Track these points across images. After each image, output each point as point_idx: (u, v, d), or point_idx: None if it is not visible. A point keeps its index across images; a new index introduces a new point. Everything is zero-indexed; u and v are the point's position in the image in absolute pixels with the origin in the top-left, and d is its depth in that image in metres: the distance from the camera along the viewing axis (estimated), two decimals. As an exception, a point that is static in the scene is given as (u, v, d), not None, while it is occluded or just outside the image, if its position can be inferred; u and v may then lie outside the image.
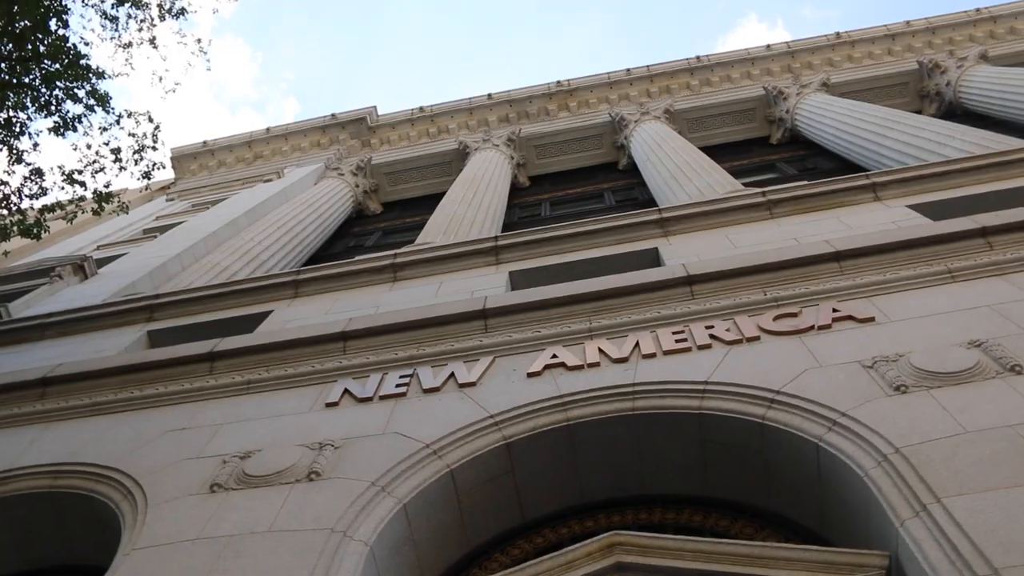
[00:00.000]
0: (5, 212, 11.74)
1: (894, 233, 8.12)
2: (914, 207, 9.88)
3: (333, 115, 25.41)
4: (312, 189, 20.87)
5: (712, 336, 7.16)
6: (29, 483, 7.07)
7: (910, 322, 6.77)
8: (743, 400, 6.25)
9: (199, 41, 14.49)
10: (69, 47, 10.94)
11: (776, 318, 7.29)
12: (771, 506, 6.20)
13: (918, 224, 8.76)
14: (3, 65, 10.29)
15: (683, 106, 22.79)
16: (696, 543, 5.29)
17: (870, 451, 5.33)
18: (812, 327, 7.01)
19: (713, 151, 20.65)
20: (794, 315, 7.29)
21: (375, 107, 25.47)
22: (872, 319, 6.95)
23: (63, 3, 10.44)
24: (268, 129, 25.89)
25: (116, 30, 13.03)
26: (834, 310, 7.21)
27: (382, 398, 7.22)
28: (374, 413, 6.99)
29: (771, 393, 6.17)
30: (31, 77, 10.73)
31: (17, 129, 11.18)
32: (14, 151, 11.43)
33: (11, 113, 10.94)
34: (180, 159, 25.95)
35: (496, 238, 11.00)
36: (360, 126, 25.07)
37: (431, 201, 20.14)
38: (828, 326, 7.00)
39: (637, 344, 7.24)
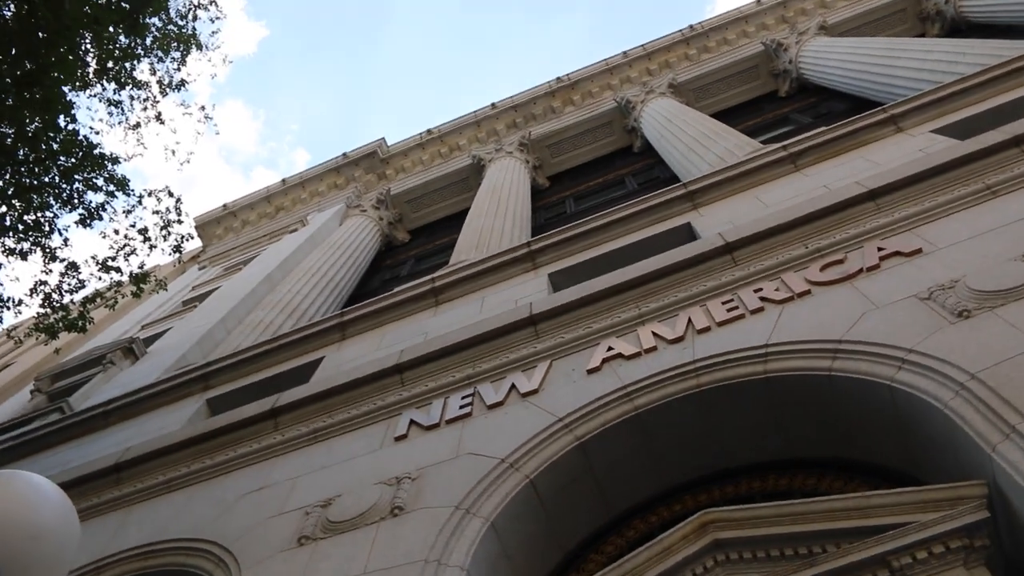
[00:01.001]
0: (49, 311, 11.94)
1: (924, 161, 8.01)
2: (938, 131, 9.73)
3: (344, 155, 25.54)
4: (338, 231, 20.99)
5: (763, 299, 7.09)
6: (122, 568, 7.16)
7: (959, 246, 6.66)
8: (806, 356, 6.18)
9: (203, 108, 14.69)
10: (81, 139, 11.13)
11: (823, 268, 7.21)
12: (856, 456, 6.12)
13: (947, 147, 8.61)
14: (23, 169, 10.49)
15: (686, 77, 22.65)
16: (790, 506, 5.24)
17: (945, 382, 5.25)
18: (860, 270, 6.92)
19: (724, 116, 20.51)
20: (840, 262, 7.20)
21: (384, 139, 25.57)
22: (919, 251, 6.84)
23: (68, 99, 10.61)
24: (284, 180, 26.07)
25: (122, 113, 13.24)
26: (879, 249, 7.11)
27: (448, 422, 7.23)
28: (444, 438, 7.00)
29: (833, 343, 6.10)
30: (51, 176, 10.92)
31: (46, 228, 11.38)
32: (47, 250, 11.63)
33: (38, 214, 11.15)
34: (205, 226, 26.22)
35: (529, 244, 11.00)
36: (373, 160, 25.18)
37: (456, 220, 20.20)
38: (876, 266, 6.90)
39: (690, 321, 7.20)
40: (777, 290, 7.13)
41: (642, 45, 24.48)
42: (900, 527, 4.76)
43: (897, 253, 6.94)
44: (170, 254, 13.41)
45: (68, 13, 9.27)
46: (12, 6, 9.42)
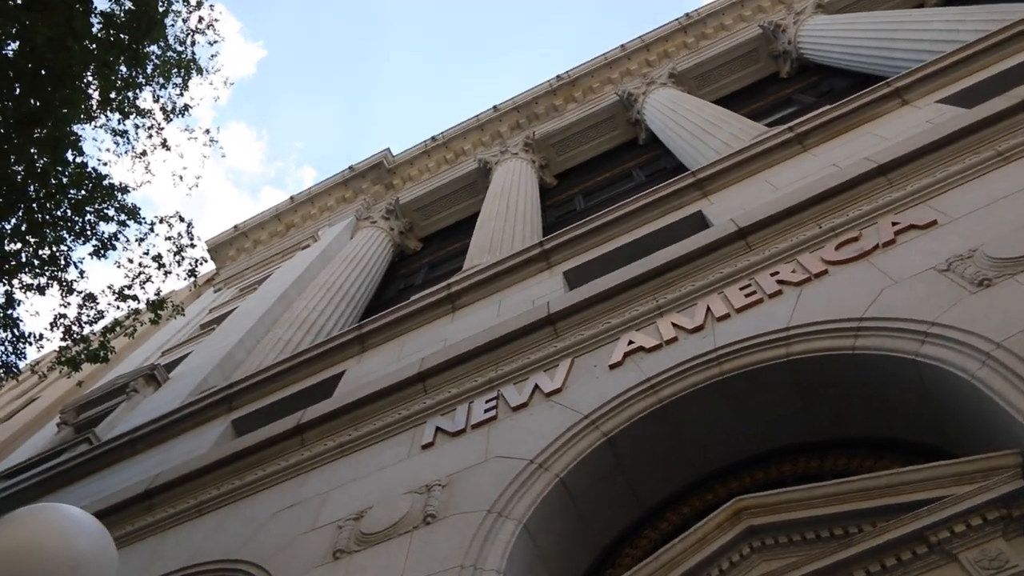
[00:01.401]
0: (70, 343, 12.01)
1: (932, 132, 7.96)
2: (944, 101, 9.67)
3: (351, 167, 25.59)
4: (350, 244, 21.03)
5: (780, 282, 7.07)
6: (162, 594, 7.21)
7: (974, 215, 6.62)
8: (829, 336, 6.16)
9: (207, 132, 14.74)
10: (90, 171, 11.19)
11: (838, 247, 7.18)
12: (885, 433, 6.08)
13: (954, 116, 8.55)
14: (34, 206, 10.56)
15: (686, 66, 22.60)
16: (822, 487, 5.21)
17: (971, 353, 5.22)
18: (876, 246, 6.89)
19: (727, 101, 20.46)
20: (855, 239, 7.17)
21: (388, 149, 25.60)
22: (934, 222, 6.80)
23: (75, 133, 10.67)
24: (292, 198, 26.14)
25: (128, 142, 13.31)
26: (894, 223, 7.07)
27: (474, 426, 7.24)
28: (471, 443, 7.00)
29: (854, 322, 6.08)
30: (62, 209, 10.99)
31: (62, 262, 11.45)
32: (64, 284, 11.70)
33: (52, 248, 11.21)
34: (217, 249, 26.31)
35: (541, 243, 10.99)
36: (379, 171, 25.22)
37: (467, 225, 20.21)
38: (892, 241, 6.87)
39: (708, 309, 7.18)
40: (794, 272, 7.11)
41: (640, 37, 24.44)
42: (935, 502, 4.73)
43: (912, 227, 6.90)
44: (185, 279, 13.46)
45: (74, 55, 9.33)
46: (14, 45, 9.48)
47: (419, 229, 23.23)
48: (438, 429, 7.44)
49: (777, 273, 7.22)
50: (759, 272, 7.44)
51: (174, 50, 13.33)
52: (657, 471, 6.51)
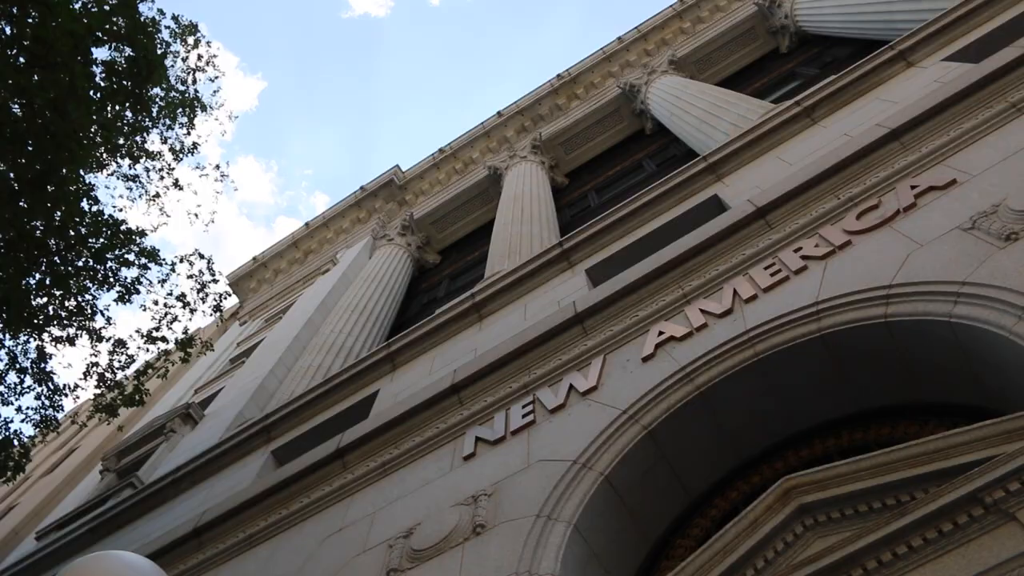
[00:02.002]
0: (105, 390, 12.11)
1: (941, 91, 7.89)
2: (950, 58, 9.58)
3: (362, 188, 25.68)
4: (369, 264, 21.09)
5: (804, 257, 7.03)
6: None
7: (993, 170, 6.56)
8: (859, 307, 6.12)
9: (217, 167, 14.83)
10: (106, 219, 11.30)
11: (859, 216, 7.13)
12: (926, 398, 6.03)
13: (962, 72, 8.46)
14: (56, 259, 10.68)
15: (685, 51, 22.53)
16: (869, 459, 5.16)
17: (1005, 308, 5.17)
18: (897, 212, 6.84)
19: (730, 82, 20.41)
20: (875, 207, 7.12)
21: (398, 165, 25.67)
22: (954, 182, 6.75)
23: (88, 183, 10.80)
24: (307, 224, 26.26)
25: (141, 186, 13.43)
26: (912, 187, 7.02)
27: (514, 433, 7.23)
28: (512, 450, 7.00)
29: (884, 289, 6.04)
30: (83, 259, 11.09)
31: (88, 311, 11.56)
32: (92, 332, 11.82)
33: (78, 298, 11.32)
34: (238, 282, 26.46)
35: (560, 243, 10.98)
36: (390, 188, 25.29)
37: (483, 233, 20.23)
38: (913, 205, 6.81)
39: (735, 292, 7.16)
40: (817, 246, 7.07)
41: (636, 27, 24.40)
42: (986, 462, 4.67)
43: (931, 188, 6.85)
44: (210, 315, 13.55)
45: (76, 121, 9.43)
46: (17, 109, 9.59)
47: (436, 242, 23.28)
48: (478, 439, 7.45)
49: (800, 249, 7.18)
50: (782, 250, 7.40)
51: (176, 90, 13.44)
52: (701, 459, 6.48)
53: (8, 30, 9.48)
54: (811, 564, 4.83)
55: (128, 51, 11.28)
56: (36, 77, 9.21)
